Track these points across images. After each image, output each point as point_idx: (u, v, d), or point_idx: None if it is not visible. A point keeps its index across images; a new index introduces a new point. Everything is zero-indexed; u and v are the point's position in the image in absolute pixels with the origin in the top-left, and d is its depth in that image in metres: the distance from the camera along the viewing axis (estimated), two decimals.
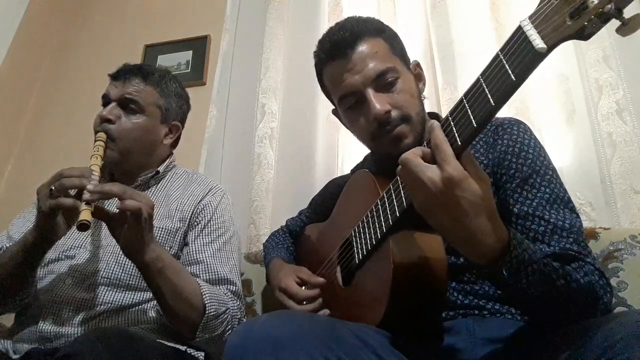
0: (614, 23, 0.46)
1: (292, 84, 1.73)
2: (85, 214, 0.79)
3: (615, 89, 1.31)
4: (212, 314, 0.93)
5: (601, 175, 1.28)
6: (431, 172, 0.57)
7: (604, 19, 0.46)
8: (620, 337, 0.50)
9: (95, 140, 1.03)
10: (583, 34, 0.47)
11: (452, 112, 0.60)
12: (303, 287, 0.95)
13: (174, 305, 0.90)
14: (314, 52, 0.97)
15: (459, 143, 0.57)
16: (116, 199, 0.84)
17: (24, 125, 2.16)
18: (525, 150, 0.82)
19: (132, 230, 0.83)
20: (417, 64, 0.99)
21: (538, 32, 0.49)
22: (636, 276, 0.99)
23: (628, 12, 0.46)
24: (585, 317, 0.63)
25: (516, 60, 0.51)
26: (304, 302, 0.92)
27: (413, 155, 0.60)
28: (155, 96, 1.14)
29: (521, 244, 0.60)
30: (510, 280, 0.60)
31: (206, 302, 0.93)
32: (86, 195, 0.81)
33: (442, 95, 1.49)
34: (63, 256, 1.03)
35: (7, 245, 1.06)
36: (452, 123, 0.59)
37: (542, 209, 0.76)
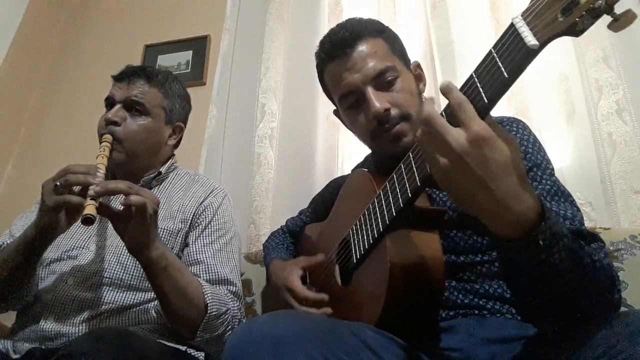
0: (608, 20, 0.46)
1: (292, 84, 1.73)
2: (90, 208, 0.79)
3: (615, 89, 1.31)
4: (213, 313, 0.93)
5: (601, 175, 1.28)
6: (456, 132, 0.52)
7: (595, 14, 0.46)
8: (620, 337, 0.50)
9: (102, 142, 1.03)
10: (575, 30, 0.47)
11: (445, 110, 0.60)
12: (306, 285, 0.95)
13: (176, 304, 0.90)
14: (315, 52, 0.98)
15: None
16: (121, 196, 0.84)
17: (24, 125, 2.16)
18: (525, 145, 0.82)
19: (138, 226, 0.83)
20: (418, 65, 0.99)
21: (530, 29, 0.49)
22: (636, 276, 1.00)
23: (619, 7, 0.46)
24: (604, 301, 0.60)
25: (509, 57, 0.51)
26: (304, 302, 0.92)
27: (437, 114, 0.55)
28: (160, 98, 1.15)
29: (553, 214, 0.56)
30: (542, 254, 0.54)
31: (208, 301, 0.93)
32: (91, 191, 0.82)
33: (442, 96, 1.48)
34: (65, 256, 1.04)
35: (8, 242, 1.07)
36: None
37: (544, 200, 0.75)
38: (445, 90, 0.55)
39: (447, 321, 0.77)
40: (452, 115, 0.55)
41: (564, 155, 1.34)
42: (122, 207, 0.84)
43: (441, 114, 0.57)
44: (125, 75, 1.13)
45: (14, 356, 0.92)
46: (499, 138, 0.52)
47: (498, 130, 0.52)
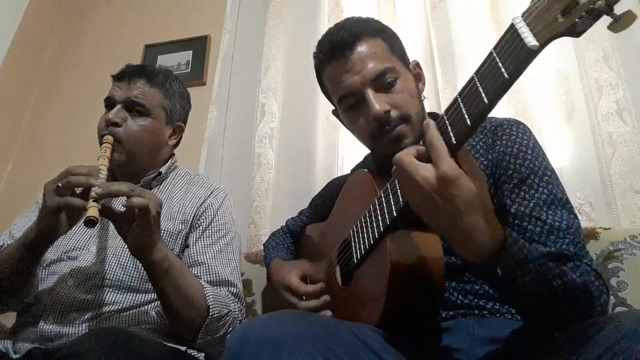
0: (608, 20, 0.47)
1: (292, 84, 1.73)
2: (92, 211, 0.79)
3: (615, 89, 1.31)
4: (215, 315, 0.93)
5: (601, 175, 1.28)
6: (424, 171, 0.57)
7: (594, 15, 0.46)
8: (620, 337, 0.50)
9: (102, 143, 1.03)
10: (575, 31, 0.47)
11: (447, 111, 0.60)
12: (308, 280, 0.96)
13: (177, 306, 0.90)
14: (314, 53, 0.97)
15: (454, 141, 0.57)
16: (123, 198, 0.84)
17: (24, 125, 2.16)
18: (524, 151, 0.82)
19: (141, 228, 0.83)
20: (417, 64, 0.99)
21: (530, 30, 0.49)
22: (636, 276, 0.99)
23: (619, 8, 0.46)
24: (581, 317, 0.62)
25: (509, 58, 0.51)
26: (305, 298, 0.92)
27: (406, 155, 0.60)
28: (160, 98, 1.14)
29: (516, 243, 0.60)
30: (505, 279, 0.60)
31: (210, 303, 0.93)
32: (94, 193, 0.82)
33: (442, 95, 1.49)
34: (65, 257, 1.03)
35: (8, 243, 1.07)
36: (446, 122, 0.59)
37: (539, 209, 0.76)
38: (424, 128, 0.60)
39: (447, 321, 0.77)
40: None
41: (564, 155, 1.34)
42: (124, 209, 0.84)
43: (420, 143, 0.62)
44: (126, 75, 1.13)
45: (14, 356, 0.92)
46: (464, 175, 0.56)
47: (467, 166, 0.57)
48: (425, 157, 0.59)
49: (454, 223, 0.57)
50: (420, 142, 0.63)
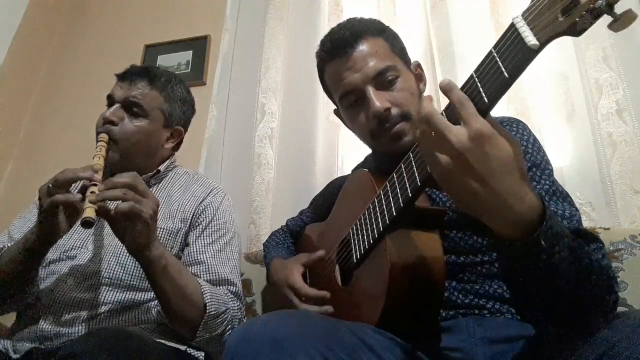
0: (608, 20, 0.46)
1: (292, 84, 1.73)
2: (89, 211, 0.79)
3: (615, 89, 1.31)
4: (212, 313, 0.93)
5: (601, 175, 1.28)
6: (457, 130, 0.52)
7: (595, 14, 0.46)
8: (620, 337, 0.50)
9: (98, 141, 1.04)
10: (575, 30, 0.47)
11: (445, 110, 0.60)
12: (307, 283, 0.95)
13: (175, 304, 0.90)
14: (316, 52, 0.98)
15: None
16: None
17: (24, 125, 2.16)
18: (525, 145, 0.82)
19: (135, 229, 0.83)
20: (418, 65, 0.99)
21: (530, 29, 0.49)
22: (636, 276, 1.00)
23: (620, 7, 0.46)
24: (600, 302, 0.60)
25: (509, 57, 0.51)
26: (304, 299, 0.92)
27: (438, 112, 0.54)
28: (160, 100, 1.14)
29: (554, 214, 0.56)
30: (543, 254, 0.53)
31: (207, 301, 0.93)
32: (91, 197, 0.82)
33: (442, 96, 1.48)
34: (64, 256, 1.03)
35: (9, 245, 1.07)
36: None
37: (542, 199, 0.75)
38: (446, 89, 0.54)
39: (447, 321, 0.77)
40: (452, 113, 0.55)
41: (564, 155, 1.34)
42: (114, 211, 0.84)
43: (441, 112, 0.57)
44: (128, 75, 1.13)
45: (14, 356, 0.92)
46: (500, 135, 0.51)
47: (499, 129, 0.52)
48: (453, 121, 0.54)
49: (488, 188, 0.51)
50: (442, 111, 0.58)
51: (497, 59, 0.52)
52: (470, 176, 0.51)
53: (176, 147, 1.23)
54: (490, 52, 0.54)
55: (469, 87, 0.56)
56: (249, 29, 1.88)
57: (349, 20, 0.96)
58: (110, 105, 1.11)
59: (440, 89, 0.55)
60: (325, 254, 0.97)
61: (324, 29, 1.65)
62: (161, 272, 0.88)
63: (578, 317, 0.59)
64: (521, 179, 0.52)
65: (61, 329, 0.94)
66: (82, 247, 1.04)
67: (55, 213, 0.86)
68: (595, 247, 0.67)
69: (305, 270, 1.02)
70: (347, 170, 1.25)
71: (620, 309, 0.96)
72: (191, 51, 2.03)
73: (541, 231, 0.52)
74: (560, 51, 1.37)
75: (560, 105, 1.38)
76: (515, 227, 0.53)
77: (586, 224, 1.20)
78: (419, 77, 0.97)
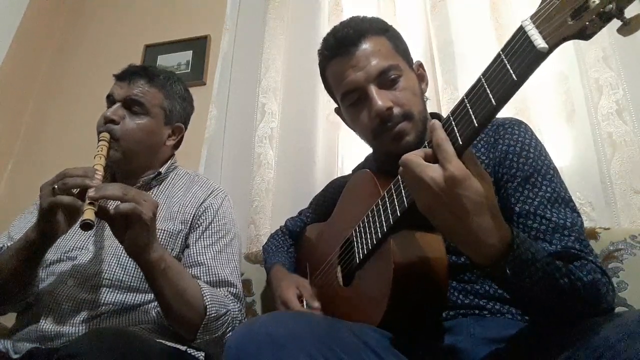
0: (615, 23, 0.46)
1: (292, 84, 1.73)
2: (88, 213, 0.79)
3: (615, 89, 1.31)
4: (212, 315, 0.93)
5: (601, 175, 1.28)
6: (433, 172, 0.57)
7: (605, 18, 0.46)
8: (620, 337, 0.50)
9: (99, 140, 1.03)
10: (584, 34, 0.48)
11: (453, 112, 0.60)
12: (304, 302, 0.94)
13: (175, 306, 0.90)
14: (318, 50, 0.98)
15: (460, 142, 0.57)
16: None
17: (24, 125, 2.16)
18: (527, 150, 0.82)
19: (135, 231, 0.83)
20: (420, 65, 0.99)
21: (539, 32, 0.49)
22: (636, 276, 1.00)
23: (629, 12, 0.46)
24: (589, 315, 0.62)
25: (517, 60, 0.51)
26: None
27: (414, 156, 0.60)
28: (160, 98, 1.14)
29: (524, 243, 0.60)
30: (513, 279, 0.59)
31: (207, 303, 0.93)
32: (90, 194, 0.81)
33: (442, 95, 1.49)
34: (65, 257, 1.03)
35: (8, 245, 1.06)
36: (453, 123, 0.59)
37: (544, 207, 0.76)
38: (431, 129, 0.60)
39: (447, 321, 0.77)
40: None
41: (564, 155, 1.34)
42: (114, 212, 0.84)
43: (425, 145, 0.63)
44: (127, 74, 1.13)
45: (14, 356, 0.92)
46: (472, 176, 0.56)
47: (474, 167, 0.57)
48: (432, 158, 0.59)
49: (461, 224, 0.57)
50: (426, 142, 0.63)
51: (506, 62, 0.52)
52: (446, 213, 0.58)
53: (177, 145, 1.23)
54: (499, 54, 0.54)
55: (477, 89, 0.56)
56: (249, 29, 1.88)
57: (352, 18, 0.96)
58: (110, 105, 1.12)
59: (428, 127, 0.61)
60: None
61: (324, 29, 1.65)
62: (160, 275, 0.87)
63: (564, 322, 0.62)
64: (491, 216, 0.57)
65: (61, 329, 0.94)
66: (82, 248, 1.04)
67: (55, 213, 0.86)
68: (579, 264, 0.69)
69: (307, 269, 1.02)
70: (347, 170, 1.24)
71: (620, 308, 0.97)
72: (191, 51, 2.04)
73: (507, 260, 0.58)
74: (561, 51, 1.36)
75: (560, 105, 1.38)
76: (487, 257, 0.59)
77: (586, 224, 1.20)
78: (421, 77, 0.97)
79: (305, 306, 0.93)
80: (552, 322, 0.65)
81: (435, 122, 0.61)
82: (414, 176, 0.59)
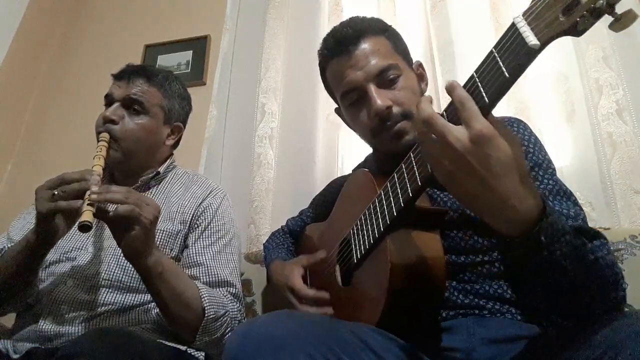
0: (609, 20, 0.47)
1: (292, 84, 1.73)
2: (86, 215, 0.79)
3: (615, 89, 1.31)
4: (211, 317, 0.93)
5: (601, 175, 1.28)
6: (457, 131, 0.52)
7: (596, 14, 0.46)
8: (621, 337, 0.50)
9: (99, 141, 1.03)
10: (576, 30, 0.48)
11: (446, 110, 0.60)
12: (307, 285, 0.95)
13: (173, 309, 0.90)
14: (318, 50, 0.98)
15: None
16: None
17: (24, 125, 2.16)
18: (526, 145, 0.82)
19: (133, 234, 0.82)
20: (420, 65, 0.99)
21: (531, 29, 0.49)
22: (636, 276, 0.99)
23: (621, 7, 0.46)
24: (607, 299, 0.60)
25: (510, 57, 0.51)
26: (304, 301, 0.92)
27: (437, 115, 0.55)
28: (159, 97, 1.14)
29: (553, 211, 0.56)
30: (544, 251, 0.54)
31: (205, 305, 0.93)
32: (88, 196, 0.81)
33: (442, 95, 1.49)
34: (64, 258, 1.03)
35: (8, 246, 1.06)
36: (446, 119, 0.59)
37: (546, 199, 0.76)
38: (449, 89, 0.55)
39: (447, 321, 0.77)
40: (453, 113, 0.55)
41: (564, 155, 1.34)
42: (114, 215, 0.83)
43: (442, 113, 0.57)
44: (125, 74, 1.13)
45: (14, 356, 0.92)
46: (501, 136, 0.52)
47: (500, 129, 0.52)
48: (454, 121, 0.54)
49: (489, 188, 0.52)
50: (442, 111, 0.59)
51: (498, 59, 0.52)
52: (471, 177, 0.52)
53: (176, 145, 1.23)
54: (491, 52, 0.54)
55: (469, 86, 0.56)
56: (249, 29, 1.88)
57: (352, 18, 0.96)
58: (108, 105, 1.11)
59: (445, 88, 0.56)
60: (325, 255, 0.96)
61: (324, 29, 1.65)
62: (158, 278, 0.87)
63: (581, 314, 0.59)
64: (522, 179, 0.53)
65: (61, 329, 0.94)
66: (82, 249, 1.04)
67: (53, 217, 0.86)
68: (599, 243, 0.67)
69: (306, 271, 1.02)
70: (347, 170, 1.24)
71: None
72: (191, 51, 2.03)
73: (541, 227, 0.53)
74: (560, 51, 1.37)
75: (560, 105, 1.38)
76: (516, 226, 0.54)
77: None
78: (421, 77, 0.98)
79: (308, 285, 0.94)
80: (573, 303, 0.60)
81: (453, 82, 0.56)
82: (438, 135, 0.53)
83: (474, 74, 0.56)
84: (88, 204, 0.80)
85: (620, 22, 0.46)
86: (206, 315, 0.92)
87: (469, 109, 0.52)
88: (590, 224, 1.18)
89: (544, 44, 0.49)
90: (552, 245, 0.54)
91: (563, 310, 0.62)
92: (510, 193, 0.52)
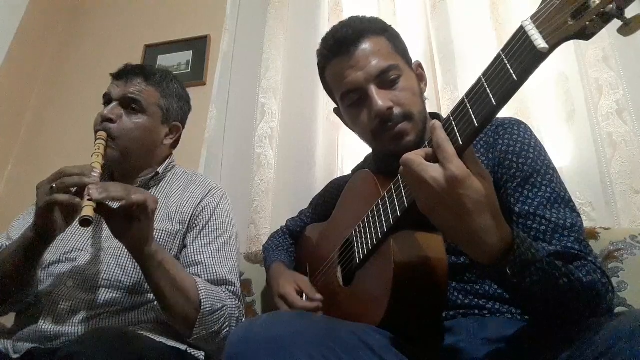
0: (616, 23, 0.46)
1: (292, 84, 1.73)
2: (87, 210, 0.79)
3: (615, 89, 1.31)
4: (207, 309, 0.93)
5: (601, 175, 1.28)
6: (434, 171, 0.57)
7: (605, 19, 0.46)
8: (621, 337, 0.50)
9: (96, 139, 1.04)
10: (585, 34, 0.48)
11: (453, 112, 0.60)
12: (303, 296, 0.94)
13: (171, 299, 0.91)
14: (317, 50, 0.98)
15: (461, 143, 0.57)
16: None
17: (24, 125, 2.15)
18: (526, 150, 0.82)
19: (140, 223, 0.85)
20: (419, 65, 0.99)
21: (540, 32, 0.49)
22: (636, 276, 0.99)
23: (630, 12, 0.46)
24: (588, 316, 0.63)
25: (518, 60, 0.51)
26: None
27: (415, 155, 0.60)
28: (157, 96, 1.14)
29: (524, 243, 0.60)
30: (513, 279, 0.59)
31: (202, 297, 0.93)
32: (89, 192, 0.81)
33: (442, 95, 1.49)
34: (64, 258, 1.03)
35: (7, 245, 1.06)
36: (453, 123, 0.59)
37: (544, 208, 0.76)
38: (431, 130, 0.60)
39: (447, 321, 0.77)
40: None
41: (564, 155, 1.34)
42: (118, 205, 0.85)
43: (425, 145, 0.63)
44: (124, 74, 1.13)
45: (14, 356, 0.92)
46: (472, 176, 0.56)
47: (474, 167, 0.57)
48: (433, 158, 0.59)
49: (462, 223, 0.57)
50: (426, 143, 0.63)
51: (506, 62, 0.52)
52: (447, 212, 0.57)
53: (175, 144, 1.23)
54: (499, 54, 0.54)
55: (477, 89, 0.56)
56: (249, 29, 1.88)
57: (352, 18, 0.95)
58: (106, 104, 1.12)
59: (430, 128, 0.61)
60: (319, 304, 0.94)
61: (324, 29, 1.65)
62: (157, 267, 0.89)
63: (567, 323, 0.62)
64: (492, 216, 0.57)
65: (61, 329, 0.94)
66: (82, 250, 1.04)
67: (52, 211, 0.86)
68: (578, 264, 0.69)
69: (307, 269, 1.02)
70: (347, 170, 1.24)
71: (620, 309, 0.97)
72: (191, 51, 2.04)
73: (507, 259, 0.58)
74: (561, 51, 1.36)
75: (560, 105, 1.38)
76: (487, 257, 0.59)
77: (586, 224, 1.19)
78: (420, 77, 0.97)
79: (305, 298, 0.93)
80: (552, 322, 0.65)
81: (436, 122, 0.60)
82: (415, 175, 0.59)
83: (481, 76, 0.56)
84: (88, 199, 0.81)
85: (630, 27, 0.46)
86: (202, 308, 0.93)
87: (444, 151, 0.57)
88: (591, 224, 1.19)
89: (552, 48, 0.49)
90: (520, 275, 0.59)
91: (550, 322, 0.65)
92: (482, 228, 0.57)
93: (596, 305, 0.67)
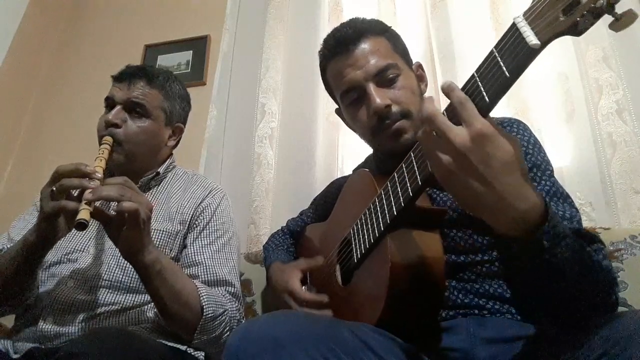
0: (609, 20, 0.47)
1: (292, 84, 1.73)
2: (83, 213, 0.78)
3: (615, 89, 1.31)
4: (209, 315, 0.93)
5: (601, 175, 1.28)
6: (458, 130, 0.52)
7: (596, 14, 0.46)
8: (621, 337, 0.50)
9: (101, 144, 1.03)
10: (576, 30, 0.48)
11: (447, 109, 0.60)
12: (305, 287, 0.95)
13: (171, 308, 0.90)
14: (319, 50, 0.99)
15: None
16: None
17: (24, 125, 2.16)
18: (525, 146, 0.83)
19: (130, 231, 0.82)
20: (420, 66, 1.00)
21: (532, 28, 0.49)
22: (636, 276, 1.00)
23: (620, 7, 0.46)
24: (602, 302, 0.61)
25: (510, 57, 0.51)
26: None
27: (440, 113, 0.55)
28: (160, 99, 1.14)
29: (556, 214, 0.55)
30: (545, 254, 0.54)
31: (204, 303, 0.93)
32: (87, 196, 0.81)
33: (442, 95, 1.48)
34: (65, 259, 1.03)
35: (8, 247, 1.06)
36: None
37: (544, 199, 0.76)
38: (447, 90, 0.55)
39: (447, 321, 0.77)
40: (453, 114, 0.55)
41: (564, 155, 1.35)
42: (115, 212, 0.83)
43: (442, 113, 0.57)
44: (126, 76, 1.13)
45: (14, 356, 0.92)
46: (501, 135, 0.52)
47: (499, 129, 0.52)
48: (454, 122, 0.54)
49: (489, 188, 0.51)
50: (442, 111, 0.58)
51: (499, 59, 0.52)
52: (472, 177, 0.52)
53: (175, 144, 1.23)
54: (492, 51, 0.54)
55: (470, 86, 0.56)
56: (249, 29, 1.88)
57: (353, 19, 0.97)
58: (109, 107, 1.11)
59: (442, 90, 0.56)
60: (324, 259, 0.96)
61: (324, 29, 1.66)
62: (156, 276, 0.87)
63: (578, 316, 0.60)
64: (523, 178, 0.52)
65: (61, 329, 0.94)
66: (83, 250, 1.04)
67: (57, 217, 0.85)
68: (596, 247, 0.68)
69: (305, 273, 1.02)
70: (347, 170, 1.25)
71: (620, 308, 0.97)
72: (191, 51, 2.04)
73: (544, 231, 0.53)
74: (560, 51, 1.37)
75: (560, 105, 1.38)
76: (517, 227, 0.54)
77: (586, 224, 1.20)
78: (420, 78, 0.98)
79: (306, 288, 0.94)
80: (563, 309, 0.61)
81: (451, 83, 0.55)
82: (439, 135, 0.53)
83: (475, 73, 0.56)
84: (86, 203, 0.80)
85: (620, 22, 0.46)
86: (204, 314, 0.92)
87: (468, 109, 0.52)
88: (590, 224, 1.20)
89: (544, 44, 0.49)
90: (553, 248, 0.54)
91: (559, 311, 0.62)
92: (512, 192, 0.51)
93: (611, 292, 0.63)
